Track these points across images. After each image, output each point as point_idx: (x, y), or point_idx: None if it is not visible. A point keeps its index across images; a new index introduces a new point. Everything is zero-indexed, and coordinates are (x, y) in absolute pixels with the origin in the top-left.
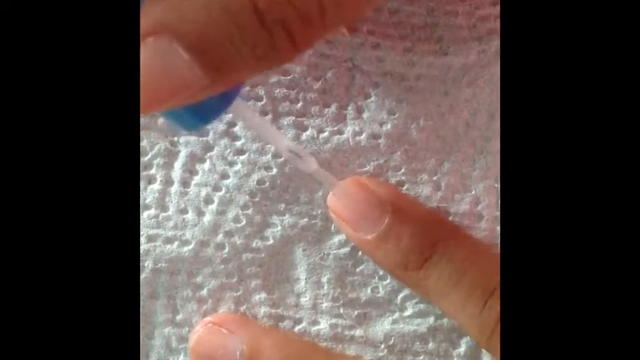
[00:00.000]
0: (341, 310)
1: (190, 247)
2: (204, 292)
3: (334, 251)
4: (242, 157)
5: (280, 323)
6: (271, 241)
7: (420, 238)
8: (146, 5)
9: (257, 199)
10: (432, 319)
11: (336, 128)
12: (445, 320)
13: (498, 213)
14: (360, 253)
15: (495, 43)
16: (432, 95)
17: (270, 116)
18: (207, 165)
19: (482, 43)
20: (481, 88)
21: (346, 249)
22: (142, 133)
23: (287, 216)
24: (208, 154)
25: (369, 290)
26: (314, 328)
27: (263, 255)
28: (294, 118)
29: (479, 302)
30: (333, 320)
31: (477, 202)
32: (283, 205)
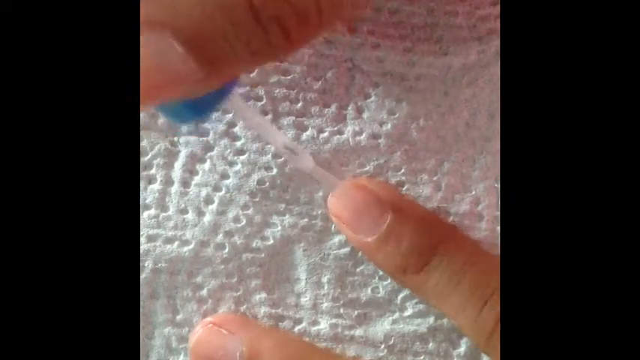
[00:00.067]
0: (341, 310)
1: (190, 247)
2: (204, 292)
3: (334, 251)
4: (242, 157)
5: (280, 323)
6: (271, 241)
7: (419, 242)
8: (143, 1)
9: (257, 199)
10: (432, 319)
11: (336, 128)
12: (445, 320)
13: (498, 213)
14: (360, 253)
15: (495, 43)
16: (432, 95)
17: (270, 116)
18: (207, 165)
19: (482, 43)
20: (481, 88)
21: (346, 249)
22: (142, 133)
23: (287, 216)
24: (208, 154)
25: (369, 290)
26: (314, 328)
27: (263, 255)
28: (294, 118)
29: (477, 305)
30: (333, 320)
31: (477, 202)
32: (283, 205)
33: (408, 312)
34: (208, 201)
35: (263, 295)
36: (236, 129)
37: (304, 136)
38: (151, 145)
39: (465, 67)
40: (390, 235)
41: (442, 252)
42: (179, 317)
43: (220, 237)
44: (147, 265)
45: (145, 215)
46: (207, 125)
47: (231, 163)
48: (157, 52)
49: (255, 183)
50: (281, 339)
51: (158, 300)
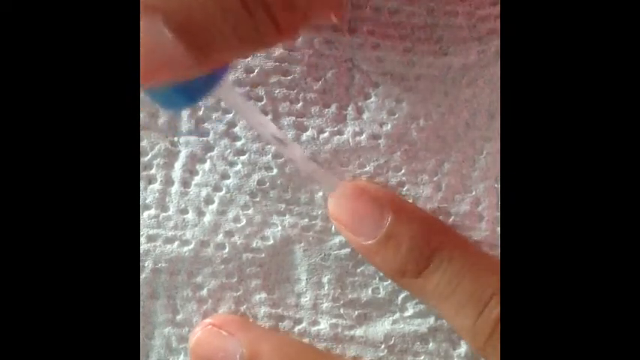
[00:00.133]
0: (341, 311)
1: (190, 247)
2: (205, 292)
3: (335, 252)
4: (242, 158)
5: (280, 323)
6: (271, 241)
7: (418, 245)
8: None
9: (257, 199)
10: (432, 320)
11: (336, 128)
12: (445, 321)
13: (499, 214)
14: None
15: (495, 43)
16: (432, 95)
17: (270, 116)
18: (207, 165)
19: (482, 43)
20: (481, 88)
21: (347, 249)
22: (142, 133)
23: (287, 216)
24: (209, 155)
25: (369, 291)
26: (314, 329)
27: (263, 255)
28: (294, 118)
29: (475, 308)
30: (334, 320)
31: (478, 202)
32: (284, 206)
33: (409, 312)
34: (208, 201)
35: (263, 295)
36: (236, 129)
37: (304, 136)
38: (151, 145)
39: (465, 67)
40: (389, 238)
41: (441, 256)
42: (179, 317)
43: (220, 237)
44: (147, 265)
45: (145, 215)
46: (207, 125)
47: (232, 163)
48: (149, 35)
49: (255, 183)
50: (281, 341)
51: (158, 300)
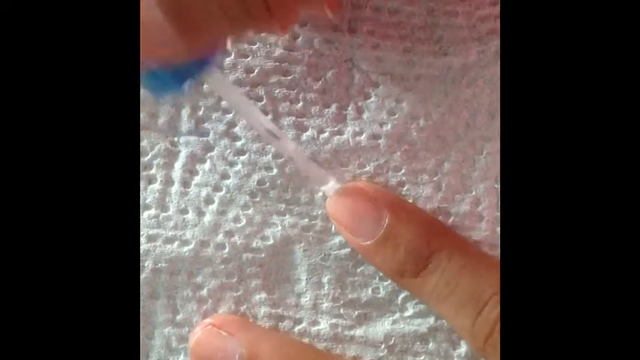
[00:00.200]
0: (341, 311)
1: (190, 247)
2: (204, 292)
3: (335, 252)
4: (242, 158)
5: (280, 323)
6: (271, 241)
7: (416, 246)
8: None
9: (257, 199)
10: (432, 320)
11: (336, 129)
12: (445, 321)
13: (499, 214)
14: None
15: (495, 43)
16: (432, 95)
17: (270, 116)
18: (207, 165)
19: (482, 43)
20: (481, 89)
21: (347, 249)
22: (142, 133)
23: (287, 216)
24: (209, 155)
25: (369, 291)
26: (314, 329)
27: (263, 255)
28: (294, 118)
29: (474, 309)
30: (334, 320)
31: (478, 202)
32: (284, 206)
33: (409, 312)
34: (208, 201)
35: (263, 295)
36: (236, 129)
37: (304, 136)
38: (151, 145)
39: (465, 67)
40: (388, 238)
41: (439, 256)
42: (179, 317)
43: (220, 237)
44: (147, 265)
45: (145, 215)
46: (207, 125)
47: (232, 163)
48: (144, 15)
49: (255, 183)
50: (280, 341)
51: (158, 300)
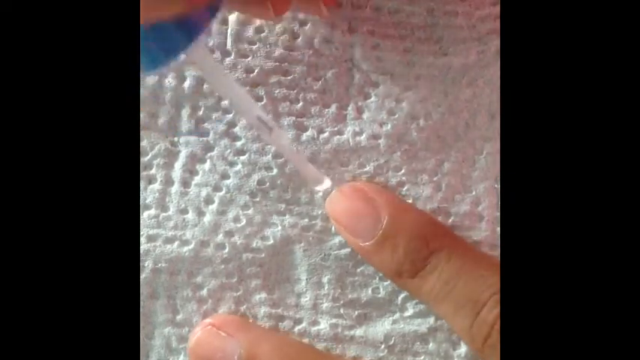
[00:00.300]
0: (341, 311)
1: (190, 247)
2: (204, 292)
3: (335, 252)
4: (242, 158)
5: (280, 323)
6: (271, 241)
7: (414, 247)
8: None
9: (257, 199)
10: (432, 320)
11: (336, 129)
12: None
13: (499, 214)
14: None
15: (495, 43)
16: (432, 95)
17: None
18: (207, 165)
19: (482, 43)
20: (481, 89)
21: (347, 250)
22: (142, 133)
23: (287, 216)
24: (209, 155)
25: (369, 291)
26: (314, 329)
27: (263, 255)
28: (294, 118)
29: (473, 309)
30: (334, 320)
31: (478, 202)
32: (284, 206)
33: (409, 312)
34: (208, 201)
35: (263, 295)
36: (236, 129)
37: (304, 136)
38: (151, 145)
39: (465, 67)
40: (386, 239)
41: (438, 256)
42: (179, 317)
43: (220, 237)
44: (147, 265)
45: (145, 215)
46: (207, 125)
47: (232, 164)
48: None
49: (255, 183)
50: (279, 342)
51: (158, 300)
